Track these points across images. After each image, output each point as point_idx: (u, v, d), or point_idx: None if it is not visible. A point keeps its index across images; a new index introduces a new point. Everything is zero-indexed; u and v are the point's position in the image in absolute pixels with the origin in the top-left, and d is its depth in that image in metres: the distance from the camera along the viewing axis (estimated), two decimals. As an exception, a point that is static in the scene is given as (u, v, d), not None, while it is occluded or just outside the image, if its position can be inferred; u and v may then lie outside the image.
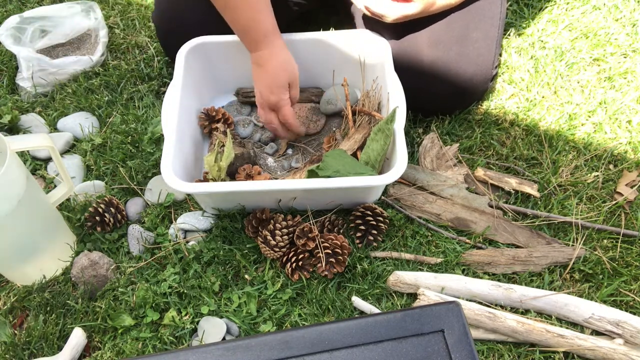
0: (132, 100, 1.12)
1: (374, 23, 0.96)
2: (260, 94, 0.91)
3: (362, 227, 0.88)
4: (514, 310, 0.82)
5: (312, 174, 0.85)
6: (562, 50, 1.15)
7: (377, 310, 0.82)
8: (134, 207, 0.95)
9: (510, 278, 0.86)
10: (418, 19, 0.92)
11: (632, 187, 0.95)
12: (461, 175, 0.97)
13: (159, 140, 1.04)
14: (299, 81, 0.92)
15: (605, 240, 0.89)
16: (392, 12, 0.88)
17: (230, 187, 0.82)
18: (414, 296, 0.84)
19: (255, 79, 0.91)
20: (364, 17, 0.96)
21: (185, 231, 0.93)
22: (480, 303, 0.82)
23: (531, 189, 0.94)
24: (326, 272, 0.85)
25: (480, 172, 0.96)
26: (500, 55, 1.15)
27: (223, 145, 0.93)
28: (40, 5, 1.31)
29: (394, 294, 0.85)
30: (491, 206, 0.93)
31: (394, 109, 0.87)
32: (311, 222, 0.90)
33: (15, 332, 0.83)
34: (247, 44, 0.89)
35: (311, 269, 0.87)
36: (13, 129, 1.07)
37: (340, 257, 0.85)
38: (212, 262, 0.89)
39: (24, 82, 1.12)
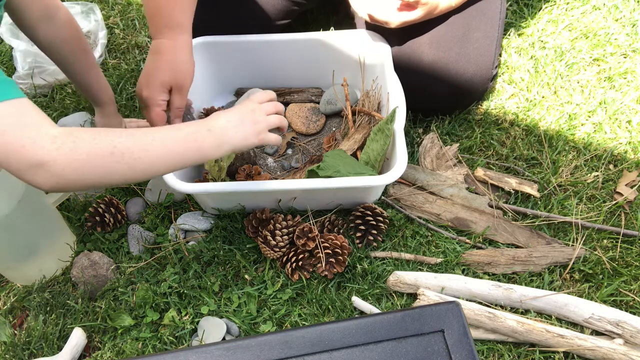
0: (132, 100, 1.12)
1: (375, 24, 0.96)
2: (139, 83, 0.81)
3: (362, 227, 0.88)
4: (514, 310, 0.82)
5: (312, 174, 0.85)
6: (562, 50, 1.15)
7: (377, 310, 0.82)
8: (134, 207, 0.95)
9: (510, 278, 0.86)
10: None
11: (632, 187, 0.95)
12: (461, 175, 0.97)
13: (159, 140, 1.04)
14: (187, 91, 0.82)
15: (605, 240, 0.89)
16: (395, 19, 0.89)
17: (230, 187, 0.82)
18: (414, 296, 0.84)
19: (144, 66, 0.83)
20: (367, 22, 0.97)
21: (185, 231, 0.93)
22: (480, 303, 0.82)
23: (531, 189, 0.94)
24: (326, 272, 0.85)
25: (480, 172, 0.96)
26: (500, 55, 1.15)
27: (223, 145, 0.93)
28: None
29: (394, 294, 0.85)
30: (491, 206, 0.93)
31: (394, 109, 0.87)
32: (311, 222, 0.90)
33: (15, 332, 0.83)
34: (150, 28, 0.83)
35: (311, 269, 0.87)
36: (13, 129, 1.07)
37: (340, 257, 0.85)
38: (212, 262, 0.89)
39: (20, 80, 1.11)
